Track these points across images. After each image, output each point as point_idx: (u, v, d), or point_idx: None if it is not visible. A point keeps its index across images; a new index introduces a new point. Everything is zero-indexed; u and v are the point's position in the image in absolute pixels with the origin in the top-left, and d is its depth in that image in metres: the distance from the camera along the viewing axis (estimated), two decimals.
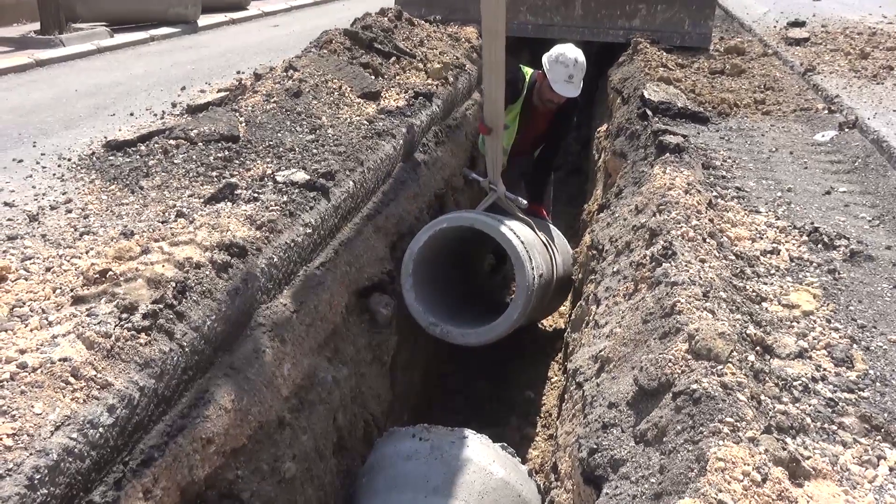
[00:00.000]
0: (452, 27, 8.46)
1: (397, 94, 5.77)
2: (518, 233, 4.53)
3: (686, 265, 2.74)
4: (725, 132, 5.22)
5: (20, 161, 4.49)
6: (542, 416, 5.16)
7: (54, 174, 4.17)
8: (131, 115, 5.83)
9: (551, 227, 5.81)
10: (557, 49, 5.16)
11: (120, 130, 5.12)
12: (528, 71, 5.45)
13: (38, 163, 4.46)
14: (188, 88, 6.83)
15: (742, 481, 1.75)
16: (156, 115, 5.74)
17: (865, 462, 2.04)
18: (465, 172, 5.77)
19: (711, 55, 7.93)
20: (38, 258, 3.00)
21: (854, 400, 2.29)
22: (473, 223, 4.48)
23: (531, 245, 4.66)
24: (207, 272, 2.85)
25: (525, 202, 5.19)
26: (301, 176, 3.83)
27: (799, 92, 6.38)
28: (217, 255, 2.96)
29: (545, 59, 5.20)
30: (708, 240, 3.05)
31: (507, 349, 5.30)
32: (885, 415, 2.23)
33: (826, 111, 5.70)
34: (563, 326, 5.84)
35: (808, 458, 1.97)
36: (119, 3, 10.56)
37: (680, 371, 2.18)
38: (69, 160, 4.44)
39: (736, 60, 7.50)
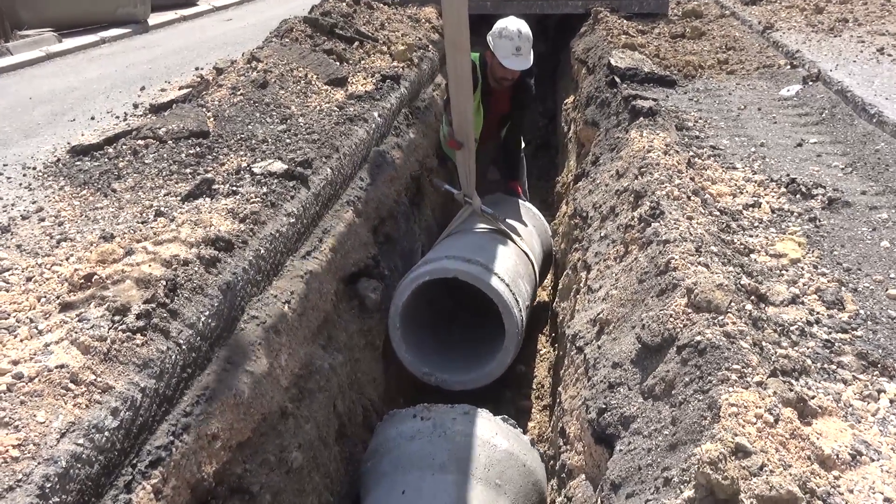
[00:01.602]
0: (412, 8, 8.38)
1: (364, 78, 5.71)
2: (503, 274, 4.32)
3: (675, 223, 2.78)
4: (693, 94, 5.28)
5: None
6: (534, 388, 5.20)
7: (21, 184, 4.04)
8: (92, 119, 5.67)
9: (528, 205, 5.76)
10: (499, 24, 5.05)
11: (83, 135, 4.97)
12: (475, 56, 5.23)
13: (1, 174, 4.31)
14: (148, 88, 6.67)
15: (756, 423, 1.79)
16: (118, 117, 5.59)
17: (867, 397, 2.10)
18: (438, 184, 5.58)
19: (671, 20, 7.99)
20: (16, 269, 2.91)
21: (849, 339, 2.36)
22: (457, 275, 4.24)
23: (516, 278, 4.49)
24: (196, 268, 2.80)
25: (505, 219, 5.02)
26: (278, 166, 3.78)
27: (760, 50, 6.47)
28: (204, 250, 2.91)
29: (489, 37, 5.09)
30: (692, 197, 3.09)
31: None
32: (880, 351, 2.30)
33: (788, 66, 5.79)
34: (547, 300, 5.88)
35: (813, 397, 2.02)
36: (65, 7, 10.20)
37: (682, 325, 2.21)
38: (34, 169, 4.31)
39: (695, 23, 7.57)
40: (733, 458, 1.67)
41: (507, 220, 5.20)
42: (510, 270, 4.47)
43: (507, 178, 5.98)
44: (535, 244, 5.37)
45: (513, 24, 4.99)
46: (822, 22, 7.09)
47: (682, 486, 1.75)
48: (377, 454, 3.47)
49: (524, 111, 5.75)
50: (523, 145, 6.18)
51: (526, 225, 5.42)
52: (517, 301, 4.29)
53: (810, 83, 5.22)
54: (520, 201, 5.72)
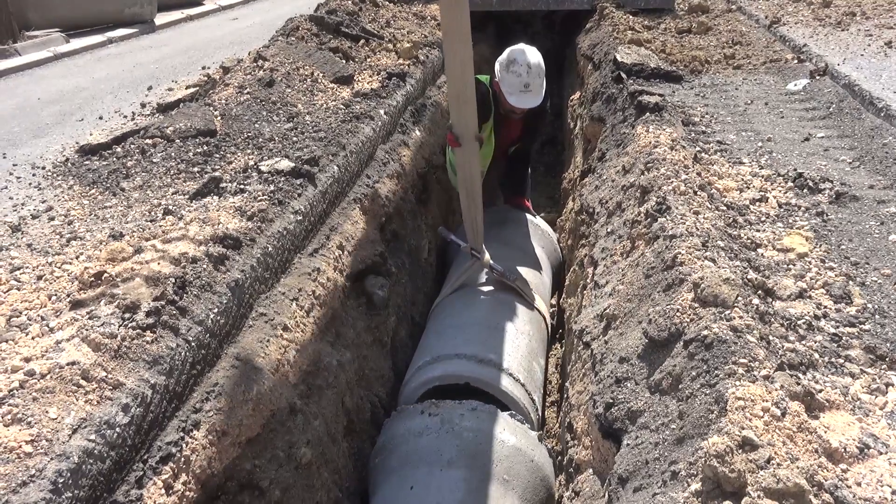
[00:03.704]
0: (417, 6, 8.39)
1: (370, 76, 5.73)
2: (518, 373, 3.86)
3: (682, 218, 2.78)
4: (700, 89, 5.26)
5: None
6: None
7: (30, 183, 4.08)
8: (100, 118, 5.70)
9: (535, 220, 5.43)
10: (508, 55, 4.53)
11: (91, 135, 5.00)
12: (485, 79, 4.73)
13: (11, 174, 4.35)
14: (155, 88, 6.70)
15: (763, 417, 1.79)
16: (126, 116, 5.62)
17: (874, 390, 2.09)
18: (444, 234, 5.09)
19: (677, 15, 7.97)
20: (27, 267, 2.94)
21: (857, 333, 2.35)
22: (469, 380, 3.79)
23: (531, 362, 4.04)
24: (205, 266, 2.83)
25: (516, 275, 4.50)
26: (286, 164, 3.80)
27: (767, 44, 6.44)
28: (212, 248, 2.93)
29: (497, 65, 4.59)
30: (699, 192, 3.09)
31: None
32: (888, 344, 2.29)
33: (795, 61, 5.77)
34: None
35: (821, 391, 2.03)
36: (72, 8, 10.26)
37: (689, 319, 2.21)
38: (43, 168, 4.35)
39: (701, 18, 7.55)
40: (740, 451, 1.68)
41: (513, 245, 4.85)
42: (525, 358, 4.03)
43: (510, 195, 5.57)
44: (547, 275, 5.06)
45: (523, 57, 4.43)
46: (830, 16, 7.05)
47: (689, 480, 1.75)
48: (385, 450, 3.48)
49: (535, 137, 5.34)
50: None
51: (535, 252, 5.07)
52: (533, 401, 3.91)
53: (817, 77, 5.19)
54: (528, 217, 5.40)
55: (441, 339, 4.06)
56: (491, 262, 4.46)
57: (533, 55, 4.49)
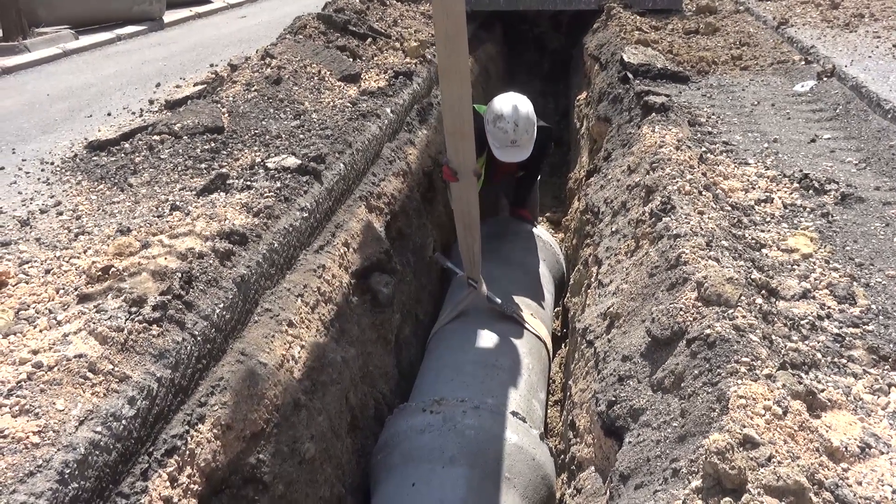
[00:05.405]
0: (424, 4, 8.40)
1: (377, 74, 5.75)
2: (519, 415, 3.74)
3: (686, 218, 2.78)
4: (707, 89, 5.25)
5: (1, 168, 4.43)
6: None
7: (39, 178, 4.12)
8: (109, 114, 5.75)
9: (536, 231, 5.32)
10: (495, 107, 4.26)
11: (100, 131, 5.04)
12: (482, 109, 4.48)
13: (20, 169, 4.39)
14: (163, 85, 6.74)
15: (764, 416, 1.79)
16: (134, 113, 5.65)
17: (877, 391, 2.10)
18: (440, 260, 4.93)
19: (684, 16, 7.95)
20: (35, 261, 2.97)
21: (860, 334, 2.35)
22: None
23: (531, 399, 3.94)
24: (211, 261, 2.85)
25: (514, 307, 4.37)
26: (292, 161, 3.82)
27: (774, 45, 6.43)
28: (218, 243, 2.95)
29: (486, 115, 4.32)
30: (704, 192, 3.09)
31: None
32: (891, 345, 2.29)
33: (803, 62, 5.75)
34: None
35: (823, 390, 2.03)
36: (82, 4, 10.34)
37: (692, 318, 2.22)
38: (52, 164, 4.38)
39: (709, 19, 7.53)
40: (741, 448, 1.68)
41: (513, 262, 4.76)
42: (524, 398, 3.91)
43: (514, 205, 5.46)
44: (548, 291, 4.94)
45: (510, 113, 4.17)
46: (838, 17, 7.03)
47: (690, 477, 1.76)
48: (388, 447, 3.50)
49: (540, 166, 5.14)
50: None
51: (536, 269, 4.96)
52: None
53: (825, 79, 5.18)
54: (530, 228, 5.30)
55: (439, 380, 3.94)
56: (488, 293, 4.28)
57: (521, 108, 4.22)
